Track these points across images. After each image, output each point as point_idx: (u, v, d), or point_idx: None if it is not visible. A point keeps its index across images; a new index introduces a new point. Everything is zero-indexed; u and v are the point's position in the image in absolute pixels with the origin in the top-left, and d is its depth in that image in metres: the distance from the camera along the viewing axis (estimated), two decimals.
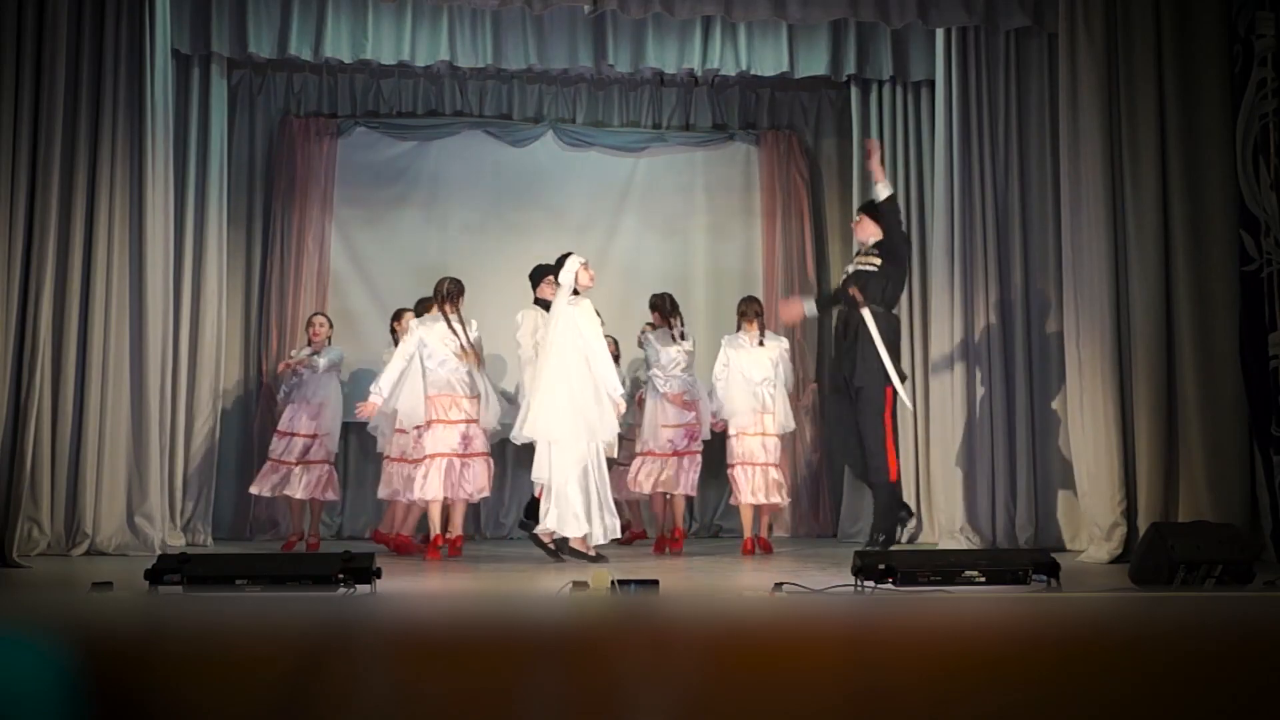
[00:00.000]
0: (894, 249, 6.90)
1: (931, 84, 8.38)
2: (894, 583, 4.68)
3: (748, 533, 7.35)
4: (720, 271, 9.49)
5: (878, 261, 6.82)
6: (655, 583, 4.66)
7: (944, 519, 7.81)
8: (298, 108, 9.08)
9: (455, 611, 1.00)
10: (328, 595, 4.37)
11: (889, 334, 6.71)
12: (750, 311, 7.55)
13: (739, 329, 7.57)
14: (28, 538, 6.41)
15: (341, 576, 4.53)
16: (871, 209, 7.10)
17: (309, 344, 7.70)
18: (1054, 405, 7.42)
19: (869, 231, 6.98)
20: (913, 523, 7.74)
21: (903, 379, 6.74)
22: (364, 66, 8.74)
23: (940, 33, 7.98)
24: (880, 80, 8.77)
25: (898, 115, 8.79)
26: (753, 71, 8.53)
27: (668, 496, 7.48)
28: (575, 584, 4.75)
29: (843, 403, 6.88)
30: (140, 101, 7.01)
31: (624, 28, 8.31)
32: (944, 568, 4.77)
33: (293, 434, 7.46)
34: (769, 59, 8.44)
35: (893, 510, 6.71)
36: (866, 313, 6.66)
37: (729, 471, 7.43)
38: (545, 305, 6.96)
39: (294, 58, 8.14)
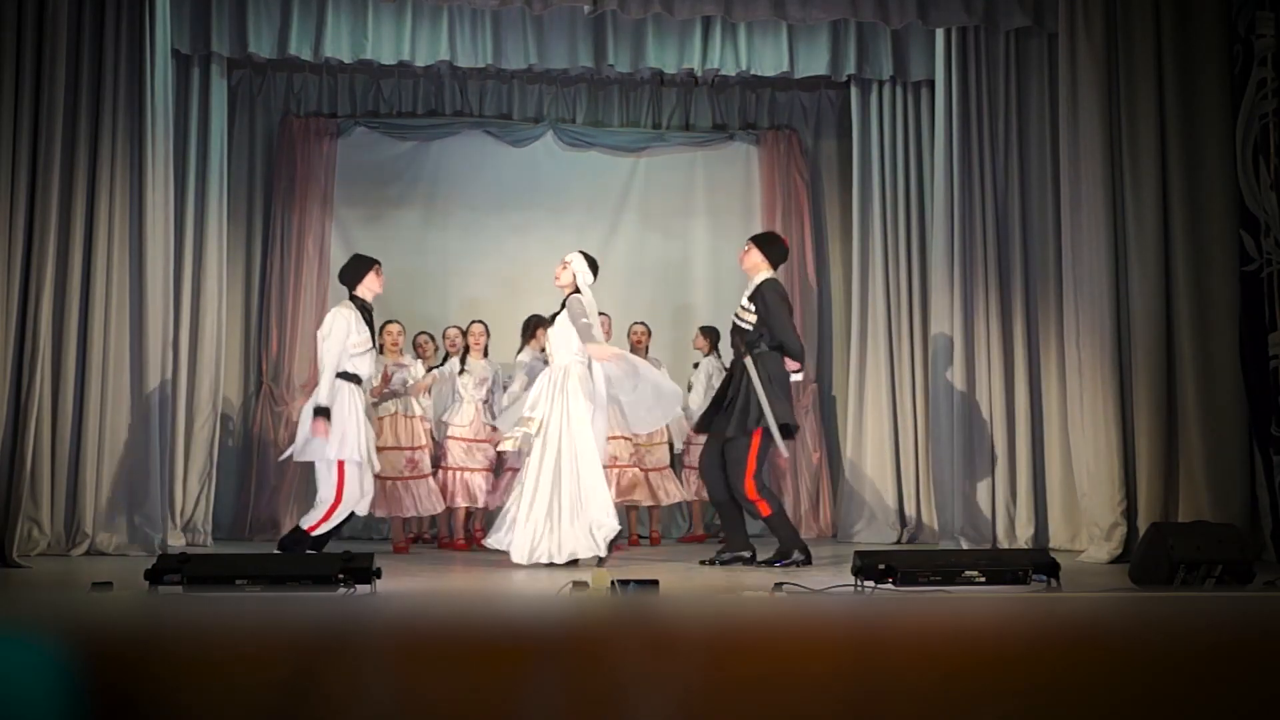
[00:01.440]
0: (774, 326, 6.45)
1: (931, 84, 8.38)
2: (894, 583, 4.68)
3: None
4: (720, 271, 9.48)
5: (753, 319, 6.47)
6: (655, 583, 4.67)
7: (944, 519, 7.81)
8: (298, 108, 9.08)
9: (455, 611, 1.00)
10: (328, 595, 4.37)
11: (775, 376, 6.39)
12: (711, 340, 8.42)
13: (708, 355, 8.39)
14: (28, 538, 6.41)
15: (341, 576, 4.53)
16: (761, 241, 6.73)
17: (380, 351, 7.88)
18: (1054, 405, 7.42)
19: (754, 263, 6.58)
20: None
21: (788, 432, 6.45)
22: (364, 66, 8.73)
23: (940, 33, 7.98)
24: (880, 80, 8.77)
25: (898, 115, 8.79)
26: (753, 71, 8.53)
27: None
28: (575, 584, 4.76)
29: (712, 442, 6.58)
30: (140, 101, 7.01)
31: (624, 28, 8.31)
32: (944, 568, 4.78)
33: (415, 448, 7.64)
34: (769, 59, 8.44)
35: (786, 529, 6.46)
36: (749, 361, 6.36)
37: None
38: (361, 305, 6.22)
39: (294, 58, 8.13)
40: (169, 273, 7.25)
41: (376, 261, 6.35)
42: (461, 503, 7.62)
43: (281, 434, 8.52)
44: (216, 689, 0.90)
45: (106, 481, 6.76)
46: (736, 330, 6.53)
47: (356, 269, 6.30)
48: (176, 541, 7.32)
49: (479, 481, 7.63)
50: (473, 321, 7.97)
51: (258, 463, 8.55)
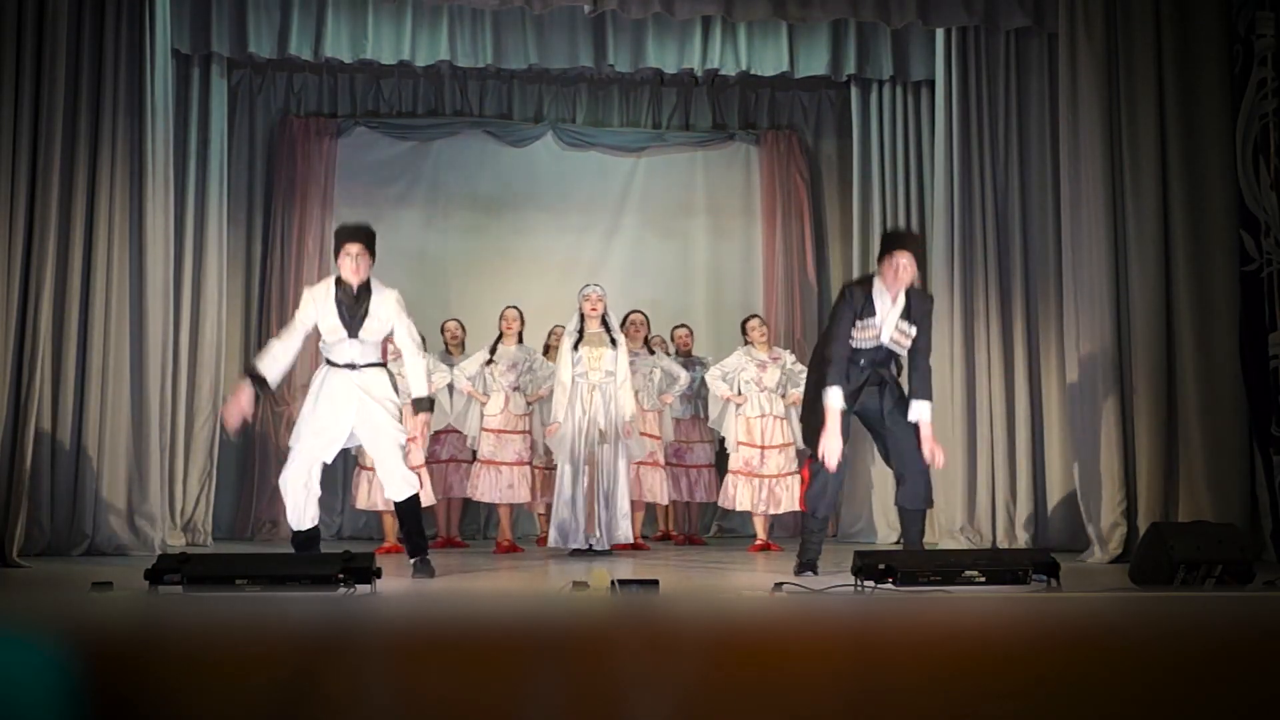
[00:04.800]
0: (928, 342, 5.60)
1: (931, 84, 8.38)
2: (894, 583, 4.68)
3: None
4: (720, 271, 9.49)
5: (909, 341, 5.51)
6: (655, 583, 4.66)
7: (944, 519, 7.81)
8: (298, 108, 9.08)
9: (455, 611, 1.00)
10: (328, 595, 4.37)
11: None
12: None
13: (653, 352, 8.06)
14: (27, 538, 6.40)
15: (341, 576, 4.52)
16: (917, 246, 5.62)
17: (447, 351, 7.99)
18: (1054, 405, 7.41)
19: (912, 275, 5.44)
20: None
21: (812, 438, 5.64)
22: (364, 66, 8.74)
23: (940, 33, 7.98)
24: (880, 80, 8.77)
25: (898, 115, 8.79)
26: (753, 71, 8.53)
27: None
28: (575, 584, 4.75)
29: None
30: (140, 101, 7.01)
31: (624, 28, 8.31)
32: (944, 568, 4.77)
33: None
34: (769, 59, 8.44)
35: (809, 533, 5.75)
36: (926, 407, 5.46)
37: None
38: (338, 281, 5.40)
39: (294, 58, 8.14)
40: (169, 273, 7.25)
41: (340, 238, 5.46)
42: (494, 498, 7.38)
43: (282, 433, 8.52)
44: (216, 689, 0.90)
45: (106, 481, 6.76)
46: (888, 353, 5.54)
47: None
48: (176, 541, 7.32)
49: (510, 477, 7.38)
50: (506, 307, 7.79)
51: (258, 463, 8.55)
